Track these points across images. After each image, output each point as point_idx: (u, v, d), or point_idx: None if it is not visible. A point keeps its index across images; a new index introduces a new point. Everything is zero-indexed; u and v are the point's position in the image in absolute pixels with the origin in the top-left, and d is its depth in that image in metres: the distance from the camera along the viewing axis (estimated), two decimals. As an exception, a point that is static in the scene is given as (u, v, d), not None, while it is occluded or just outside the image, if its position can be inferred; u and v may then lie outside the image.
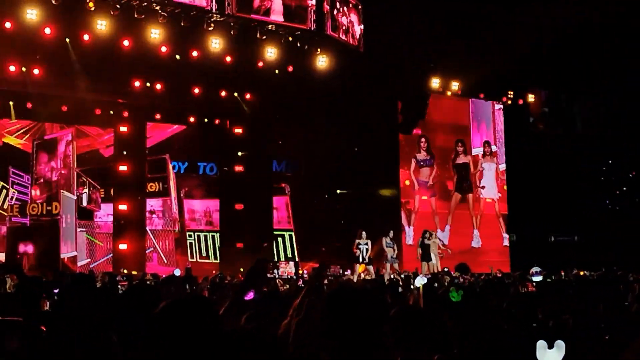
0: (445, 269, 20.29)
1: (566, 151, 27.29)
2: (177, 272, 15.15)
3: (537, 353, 3.27)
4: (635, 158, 28.61)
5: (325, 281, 9.04)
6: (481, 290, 8.19)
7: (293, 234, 24.16)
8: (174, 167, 23.54)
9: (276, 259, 21.80)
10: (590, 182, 27.81)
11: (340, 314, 2.79)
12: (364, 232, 21.12)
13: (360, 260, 20.91)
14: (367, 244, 21.25)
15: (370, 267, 20.97)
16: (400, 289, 10.76)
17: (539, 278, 8.15)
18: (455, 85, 24.65)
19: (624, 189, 28.89)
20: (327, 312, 2.84)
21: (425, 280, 8.59)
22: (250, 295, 6.06)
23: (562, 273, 17.70)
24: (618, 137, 27.46)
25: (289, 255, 23.52)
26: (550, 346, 3.26)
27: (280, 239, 23.88)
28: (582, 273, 18.12)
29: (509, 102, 26.17)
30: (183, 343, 2.54)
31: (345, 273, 20.42)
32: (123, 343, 3.43)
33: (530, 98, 26.33)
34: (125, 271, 17.54)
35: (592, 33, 23.81)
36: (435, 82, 24.14)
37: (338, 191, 23.74)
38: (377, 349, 2.85)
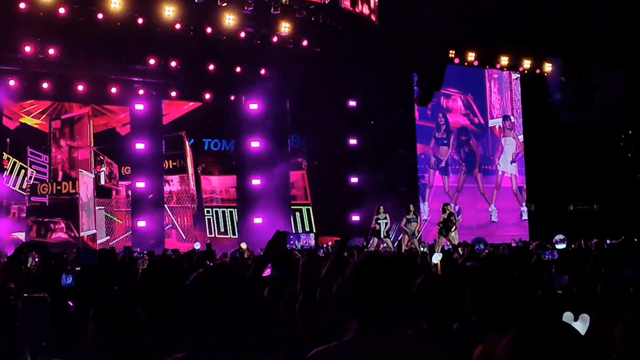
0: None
1: (584, 121, 27.10)
2: (197, 246, 15.24)
3: None
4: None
5: (345, 253, 9.05)
6: (502, 258, 8.19)
7: (311, 208, 24.19)
8: (190, 144, 23.56)
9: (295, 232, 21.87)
10: (609, 150, 27.59)
11: (369, 283, 2.77)
12: (382, 207, 21.11)
13: (381, 235, 20.93)
14: (385, 218, 21.24)
15: (389, 241, 20.99)
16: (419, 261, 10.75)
17: (562, 245, 8.11)
18: (471, 56, 24.50)
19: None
20: (355, 281, 2.83)
21: (440, 256, 8.58)
22: (267, 272, 6.09)
23: (582, 241, 17.61)
24: (637, 106, 27.21)
25: (307, 229, 23.56)
26: (576, 318, 3.28)
27: (297, 214, 23.93)
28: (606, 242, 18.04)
29: (526, 71, 25.98)
30: (217, 311, 2.55)
31: (367, 246, 20.46)
32: (148, 316, 3.45)
33: (547, 67, 26.11)
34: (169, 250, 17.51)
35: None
36: (451, 53, 23.99)
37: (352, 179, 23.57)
38: (405, 317, 2.84)
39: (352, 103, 23.60)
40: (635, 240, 16.42)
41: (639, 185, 28.26)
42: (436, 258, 8.12)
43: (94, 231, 21.84)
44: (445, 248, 16.73)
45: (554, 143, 25.73)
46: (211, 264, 11.10)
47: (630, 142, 28.96)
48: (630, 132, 28.55)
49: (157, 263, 4.35)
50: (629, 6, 23.78)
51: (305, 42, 21.10)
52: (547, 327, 1.96)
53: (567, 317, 3.28)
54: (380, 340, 2.71)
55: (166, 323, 3.54)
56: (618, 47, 24.89)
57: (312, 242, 4.47)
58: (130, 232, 21.84)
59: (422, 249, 18.22)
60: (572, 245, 16.48)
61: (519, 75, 26.34)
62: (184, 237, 23.01)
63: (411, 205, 22.00)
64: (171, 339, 3.38)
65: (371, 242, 20.65)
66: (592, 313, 3.03)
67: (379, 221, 21.12)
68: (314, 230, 23.23)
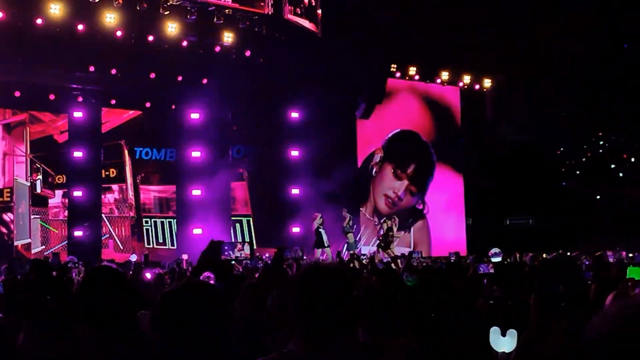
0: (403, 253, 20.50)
1: (522, 136, 27.64)
2: (133, 258, 15.01)
3: (491, 338, 3.33)
4: (588, 141, 29.10)
5: (285, 265, 9.05)
6: (439, 271, 8.28)
7: (251, 219, 24.11)
8: (130, 153, 23.28)
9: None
10: (545, 166, 28.18)
11: (313, 293, 2.76)
12: (319, 215, 21.25)
13: (325, 244, 21.03)
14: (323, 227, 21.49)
15: (329, 250, 21.07)
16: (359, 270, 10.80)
17: (498, 259, 8.27)
18: (412, 70, 24.80)
19: (577, 172, 29.36)
20: (299, 292, 2.82)
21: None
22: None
23: (517, 255, 17.93)
24: (572, 120, 27.87)
25: (247, 240, 23.47)
26: (504, 334, 3.33)
27: (238, 225, 23.82)
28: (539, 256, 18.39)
29: (466, 87, 26.39)
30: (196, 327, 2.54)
31: (304, 257, 20.47)
32: (86, 326, 3.38)
33: (487, 83, 26.56)
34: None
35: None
36: (393, 67, 24.26)
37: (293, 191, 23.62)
38: (347, 328, 2.83)
39: (295, 115, 23.63)
40: (569, 254, 16.75)
41: (573, 200, 28.92)
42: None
43: (29, 240, 21.38)
44: (384, 261, 16.88)
45: (492, 158, 26.15)
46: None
47: (565, 158, 29.64)
48: (565, 146, 29.22)
49: (97, 271, 4.26)
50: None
51: (248, 53, 21.06)
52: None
53: (494, 331, 3.33)
54: (321, 351, 2.71)
55: (110, 331, 3.48)
56: (556, 62, 25.46)
57: (247, 252, 4.46)
58: (66, 241, 21.43)
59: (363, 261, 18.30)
60: (508, 259, 16.77)
61: (459, 90, 26.69)
62: (122, 248, 22.70)
63: (347, 214, 22.22)
64: (120, 347, 3.34)
65: (316, 252, 20.67)
66: (525, 325, 3.08)
67: (319, 230, 21.22)
68: (254, 242, 23.17)
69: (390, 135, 25.54)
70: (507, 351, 3.28)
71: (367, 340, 3.99)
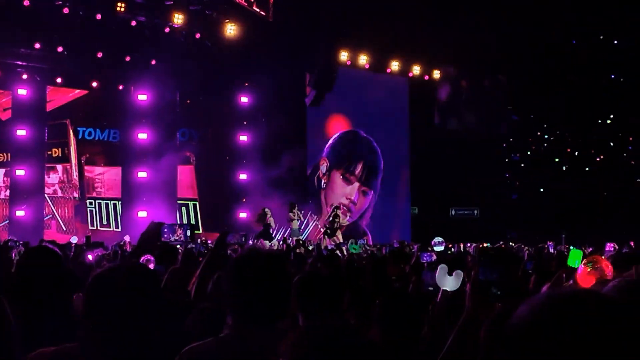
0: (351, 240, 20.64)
1: (468, 127, 27.95)
2: (74, 240, 14.78)
3: (437, 276, 3.45)
4: (533, 134, 29.55)
5: (230, 250, 9.02)
6: (383, 258, 8.34)
7: (198, 203, 23.96)
8: (76, 133, 22.91)
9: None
10: (491, 157, 28.54)
11: (246, 278, 2.76)
12: (267, 209, 21.30)
13: (272, 237, 21.08)
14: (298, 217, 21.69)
15: (275, 242, 21.09)
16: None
17: (440, 248, 8.37)
18: (363, 59, 24.85)
19: (522, 165, 29.83)
20: (232, 276, 2.81)
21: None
22: (151, 267, 5.97)
23: (461, 245, 18.16)
24: (517, 114, 28.27)
25: (193, 224, 23.33)
26: (450, 273, 3.46)
27: (184, 209, 23.66)
28: (481, 245, 18.65)
29: (415, 77, 26.53)
30: (125, 309, 2.46)
31: (249, 242, 20.43)
32: (16, 308, 3.30)
33: (436, 74, 26.74)
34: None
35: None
36: (344, 55, 24.27)
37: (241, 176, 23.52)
38: (280, 313, 2.83)
39: (244, 99, 23.53)
40: (510, 245, 17.02)
41: (518, 192, 29.38)
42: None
43: (-33, 219, 20.95)
44: (329, 247, 16.94)
45: (439, 148, 26.38)
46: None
47: (510, 150, 30.06)
48: (511, 139, 29.62)
49: (33, 252, 4.18)
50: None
51: (198, 35, 20.87)
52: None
53: (442, 269, 3.46)
54: (253, 336, 2.70)
55: (44, 314, 3.43)
56: (503, 55, 25.73)
57: (187, 235, 4.42)
58: (7, 221, 21.05)
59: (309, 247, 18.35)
60: (452, 249, 16.98)
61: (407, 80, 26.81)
62: (65, 229, 22.38)
63: (295, 205, 22.24)
64: (49, 329, 3.28)
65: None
66: (462, 312, 3.13)
67: (268, 223, 21.21)
68: (200, 226, 23.06)
69: (330, 142, 25.51)
70: (449, 289, 3.42)
71: (306, 325, 4.00)
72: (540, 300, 1.26)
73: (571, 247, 9.28)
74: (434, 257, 7.14)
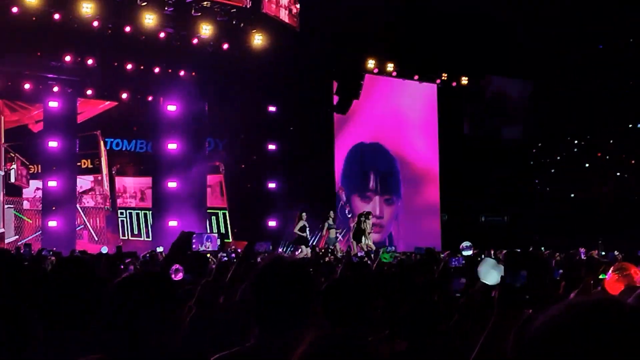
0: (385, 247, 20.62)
1: (496, 133, 27.79)
2: (105, 250, 14.94)
3: (481, 269, 3.38)
4: (563, 139, 29.30)
5: (259, 259, 9.05)
6: (412, 266, 8.34)
7: (227, 212, 24.07)
8: (105, 144, 23.15)
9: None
10: (520, 163, 28.34)
11: (270, 286, 2.77)
12: (304, 213, 21.18)
13: (308, 242, 21.03)
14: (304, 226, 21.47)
15: (308, 249, 21.07)
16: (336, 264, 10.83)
17: (469, 252, 8.32)
18: (390, 67, 24.81)
19: (552, 171, 29.59)
20: (257, 285, 2.83)
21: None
22: (179, 276, 6.01)
23: (492, 252, 18.04)
24: (546, 121, 28.03)
25: (222, 234, 23.43)
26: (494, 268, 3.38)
27: (214, 218, 23.78)
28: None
29: (442, 84, 26.45)
30: (140, 319, 2.49)
31: (280, 250, 20.53)
32: (48, 320, 3.35)
33: (464, 80, 26.63)
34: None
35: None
36: (371, 63, 24.26)
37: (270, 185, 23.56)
38: (305, 323, 2.83)
39: (272, 108, 23.62)
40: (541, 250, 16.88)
41: (547, 198, 29.12)
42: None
43: (2, 230, 21.21)
44: (359, 254, 16.94)
45: (468, 155, 26.24)
46: (122, 265, 10.91)
47: (540, 156, 29.83)
48: (540, 144, 29.39)
49: (64, 263, 4.23)
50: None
51: (225, 46, 20.99)
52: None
53: (487, 262, 3.36)
54: (279, 344, 2.70)
55: (75, 324, 3.46)
56: (530, 60, 25.56)
57: (216, 245, 4.44)
58: (40, 231, 21.30)
59: (338, 255, 18.34)
60: (482, 256, 16.88)
61: (436, 87, 26.74)
62: (96, 239, 22.59)
63: (331, 212, 22.23)
64: (79, 340, 3.31)
65: (299, 251, 20.53)
66: (489, 317, 3.12)
67: (306, 230, 21.15)
68: (230, 235, 23.15)
69: (341, 166, 25.52)
70: (490, 283, 3.33)
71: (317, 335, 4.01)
72: (563, 307, 1.26)
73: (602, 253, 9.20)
74: (463, 262, 7.11)
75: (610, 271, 5.21)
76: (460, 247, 8.19)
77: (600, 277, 5.86)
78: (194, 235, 4.47)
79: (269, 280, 2.80)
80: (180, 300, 2.71)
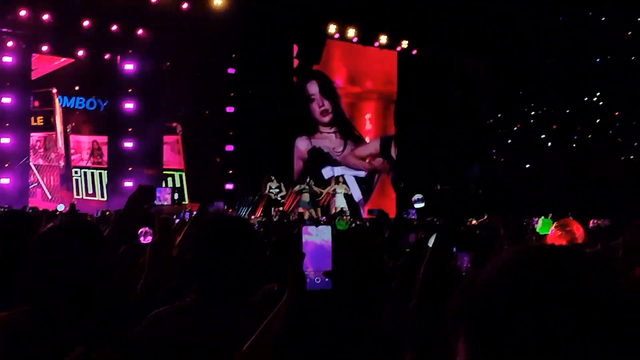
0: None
1: (452, 103, 27.91)
2: (61, 208, 14.77)
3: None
4: (520, 110, 29.51)
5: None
6: (366, 228, 8.39)
7: (184, 174, 23.91)
8: (61, 101, 22.77)
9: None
10: (478, 132, 28.52)
11: (208, 245, 2.70)
12: (273, 176, 21.15)
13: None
14: (278, 187, 21.45)
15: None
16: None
17: (421, 205, 8.39)
18: (351, 32, 24.73)
19: (509, 141, 29.83)
20: (194, 243, 2.77)
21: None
22: (148, 239, 5.92)
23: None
24: (504, 92, 28.20)
25: (178, 195, 23.28)
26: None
27: (170, 179, 23.61)
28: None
29: (403, 51, 26.47)
30: (68, 269, 2.45)
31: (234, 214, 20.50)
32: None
33: (424, 50, 26.67)
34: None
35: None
36: (332, 28, 24.15)
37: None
38: (247, 282, 2.77)
39: (231, 70, 23.41)
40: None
41: (509, 166, 29.36)
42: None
43: (-48, 186, 20.83)
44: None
45: (425, 123, 26.33)
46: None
47: (499, 126, 30.02)
48: (499, 115, 29.60)
49: (7, 216, 4.15)
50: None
51: (185, 5, 20.72)
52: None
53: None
54: (217, 305, 2.67)
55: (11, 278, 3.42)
56: (486, 32, 25.60)
57: (169, 199, 4.37)
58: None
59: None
60: (437, 222, 17.00)
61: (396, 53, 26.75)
62: (50, 197, 22.30)
63: (309, 177, 22.30)
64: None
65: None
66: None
67: (271, 190, 21.15)
68: (186, 197, 23.03)
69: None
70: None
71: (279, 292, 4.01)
72: (512, 253, 1.18)
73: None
74: (414, 213, 7.16)
75: (552, 227, 5.30)
76: (412, 199, 8.27)
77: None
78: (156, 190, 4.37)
79: (207, 235, 2.74)
80: (107, 250, 2.63)
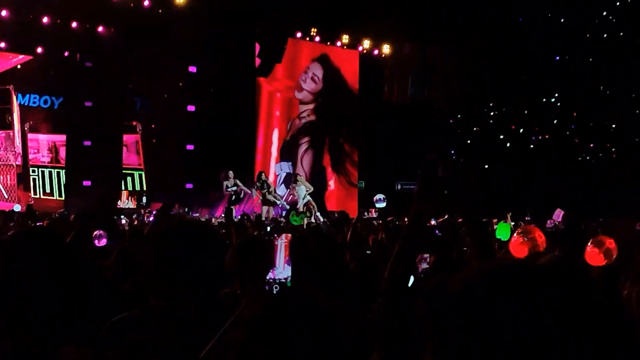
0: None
1: (415, 101, 28.07)
2: (17, 208, 14.58)
3: None
4: (479, 110, 29.77)
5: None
6: (327, 230, 8.39)
7: (143, 173, 23.73)
8: (18, 99, 22.44)
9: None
10: (438, 131, 28.71)
11: (167, 250, 2.70)
12: (231, 172, 21.05)
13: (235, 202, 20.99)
14: (235, 184, 21.36)
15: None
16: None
17: (382, 205, 8.53)
18: (314, 32, 24.78)
19: (468, 141, 30.09)
20: (154, 248, 2.76)
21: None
22: (103, 242, 5.89)
23: (406, 219, 18.28)
24: (463, 89, 28.42)
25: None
26: None
27: (129, 178, 23.41)
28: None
29: (365, 51, 26.59)
30: (31, 277, 2.41)
31: (195, 214, 20.46)
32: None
33: (385, 49, 26.83)
34: None
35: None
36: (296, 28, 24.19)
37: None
38: (212, 283, 2.79)
39: (192, 69, 23.28)
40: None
41: (461, 168, 29.58)
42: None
43: None
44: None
45: (385, 123, 26.46)
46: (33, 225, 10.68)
47: (460, 125, 30.25)
48: (459, 116, 29.82)
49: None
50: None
51: (147, 2, 20.57)
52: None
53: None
54: (180, 308, 2.67)
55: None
56: (453, 26, 25.79)
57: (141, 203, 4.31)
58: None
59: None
60: (397, 222, 17.10)
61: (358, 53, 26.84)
62: (6, 197, 21.97)
63: (263, 174, 22.23)
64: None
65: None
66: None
67: (228, 189, 21.09)
68: (143, 198, 22.84)
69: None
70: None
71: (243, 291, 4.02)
72: (478, 270, 1.33)
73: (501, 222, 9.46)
74: (376, 214, 7.24)
75: (515, 234, 5.35)
76: (374, 199, 8.39)
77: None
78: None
79: (169, 240, 2.74)
80: (69, 253, 2.60)
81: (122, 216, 12.21)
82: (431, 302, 1.35)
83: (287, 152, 25.65)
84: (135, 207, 19.76)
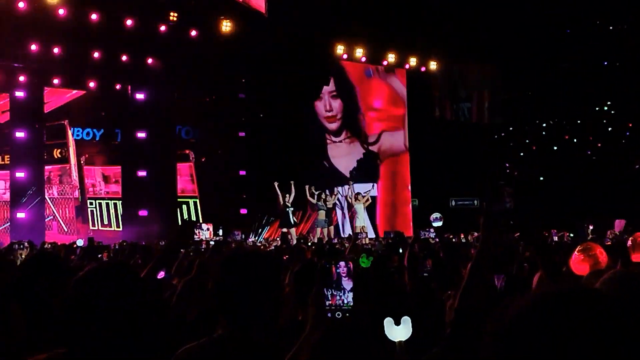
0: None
1: (466, 118, 27.89)
2: (80, 243, 14.78)
3: (385, 329, 3.27)
4: (531, 123, 29.48)
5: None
6: (382, 251, 8.36)
7: (198, 200, 23.96)
8: (73, 133, 22.91)
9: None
10: (490, 148, 28.47)
11: (232, 279, 2.75)
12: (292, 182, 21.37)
13: (292, 222, 21.13)
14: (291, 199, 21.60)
15: (293, 231, 21.21)
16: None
17: (439, 223, 8.44)
18: (359, 52, 24.80)
19: (522, 154, 29.79)
20: (218, 278, 2.80)
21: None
22: (161, 274, 5.94)
23: (462, 236, 18.15)
24: (519, 104, 28.17)
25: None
26: (397, 322, 3.27)
27: (185, 206, 23.66)
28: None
29: (411, 69, 26.51)
30: (108, 311, 2.45)
31: (249, 240, 20.55)
32: (25, 312, 3.32)
33: (432, 65, 26.71)
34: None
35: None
36: (339, 49, 24.23)
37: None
38: (273, 313, 2.82)
39: (242, 95, 23.49)
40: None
41: (518, 182, 29.30)
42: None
43: (-31, 222, 20.96)
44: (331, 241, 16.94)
45: (437, 139, 26.31)
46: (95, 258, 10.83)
47: (508, 139, 30.00)
48: (510, 128, 29.56)
49: (35, 258, 4.20)
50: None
51: (194, 32, 20.85)
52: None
53: (388, 322, 3.23)
54: (246, 337, 2.69)
55: (45, 318, 3.44)
56: (497, 44, 25.65)
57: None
58: (9, 223, 21.03)
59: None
60: (453, 238, 16.98)
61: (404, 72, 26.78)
62: (66, 230, 22.39)
63: (327, 191, 22.31)
64: (49, 335, 3.28)
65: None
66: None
67: (287, 209, 21.22)
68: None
69: None
70: (402, 339, 3.16)
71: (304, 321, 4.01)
72: (535, 298, 1.25)
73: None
74: (432, 232, 7.17)
75: (575, 251, 5.23)
76: (430, 218, 8.30)
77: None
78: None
79: (229, 271, 2.78)
80: (150, 292, 2.66)
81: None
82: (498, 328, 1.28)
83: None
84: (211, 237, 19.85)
